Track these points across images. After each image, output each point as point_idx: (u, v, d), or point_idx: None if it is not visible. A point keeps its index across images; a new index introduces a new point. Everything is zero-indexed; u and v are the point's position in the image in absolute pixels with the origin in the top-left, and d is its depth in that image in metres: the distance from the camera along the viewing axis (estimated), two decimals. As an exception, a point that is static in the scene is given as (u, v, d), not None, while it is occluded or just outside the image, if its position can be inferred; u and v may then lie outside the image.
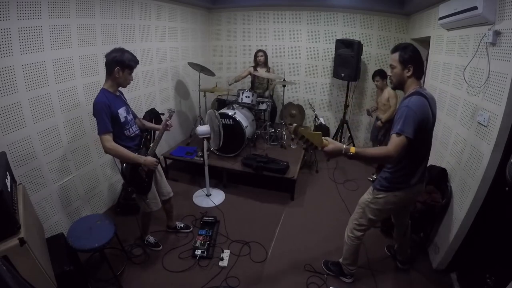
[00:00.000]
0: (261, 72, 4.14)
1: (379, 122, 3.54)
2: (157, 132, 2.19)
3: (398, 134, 1.46)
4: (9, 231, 1.31)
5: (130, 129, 2.01)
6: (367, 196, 1.89)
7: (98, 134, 1.83)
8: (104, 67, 1.87)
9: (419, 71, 1.62)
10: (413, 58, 1.59)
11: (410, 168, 1.68)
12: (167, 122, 2.15)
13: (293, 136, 1.48)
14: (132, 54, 1.90)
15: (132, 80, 1.97)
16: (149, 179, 2.13)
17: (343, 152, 1.43)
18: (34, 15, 2.04)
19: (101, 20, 2.65)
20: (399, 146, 1.44)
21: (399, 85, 1.68)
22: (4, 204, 1.30)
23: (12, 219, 1.33)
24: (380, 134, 3.59)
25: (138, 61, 1.94)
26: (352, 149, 1.42)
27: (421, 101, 1.53)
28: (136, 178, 2.04)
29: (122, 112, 1.94)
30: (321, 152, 1.46)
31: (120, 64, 1.83)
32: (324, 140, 1.45)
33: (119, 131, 1.93)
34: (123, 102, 2.01)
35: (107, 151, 1.84)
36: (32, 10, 2.02)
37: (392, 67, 1.66)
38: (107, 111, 1.82)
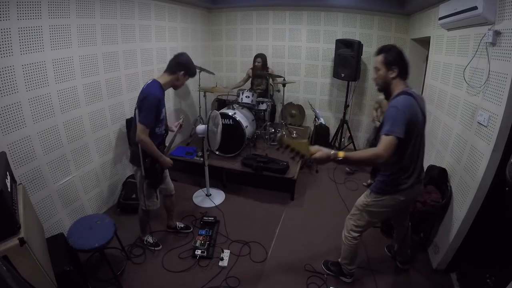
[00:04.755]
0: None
1: None
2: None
3: (387, 134, 1.46)
4: (9, 231, 1.31)
5: (161, 127, 2.11)
6: (364, 199, 1.87)
7: (139, 122, 1.89)
8: (161, 62, 2.01)
9: (404, 72, 1.63)
10: (397, 60, 1.59)
11: (405, 169, 1.67)
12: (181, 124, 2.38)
13: (278, 147, 1.46)
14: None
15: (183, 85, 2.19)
16: (161, 175, 2.23)
17: (331, 157, 1.41)
18: (34, 15, 2.04)
19: (101, 20, 2.65)
20: (389, 146, 1.43)
21: (384, 87, 1.68)
22: (4, 204, 1.29)
23: (12, 219, 1.33)
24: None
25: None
26: (340, 154, 1.42)
27: (409, 100, 1.53)
28: (154, 172, 2.13)
29: (163, 111, 2.06)
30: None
31: (187, 70, 2.03)
32: (311, 148, 1.42)
33: (153, 127, 2.00)
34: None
35: (140, 141, 1.92)
36: (32, 10, 2.02)
37: (376, 69, 1.67)
38: (158, 106, 1.93)
